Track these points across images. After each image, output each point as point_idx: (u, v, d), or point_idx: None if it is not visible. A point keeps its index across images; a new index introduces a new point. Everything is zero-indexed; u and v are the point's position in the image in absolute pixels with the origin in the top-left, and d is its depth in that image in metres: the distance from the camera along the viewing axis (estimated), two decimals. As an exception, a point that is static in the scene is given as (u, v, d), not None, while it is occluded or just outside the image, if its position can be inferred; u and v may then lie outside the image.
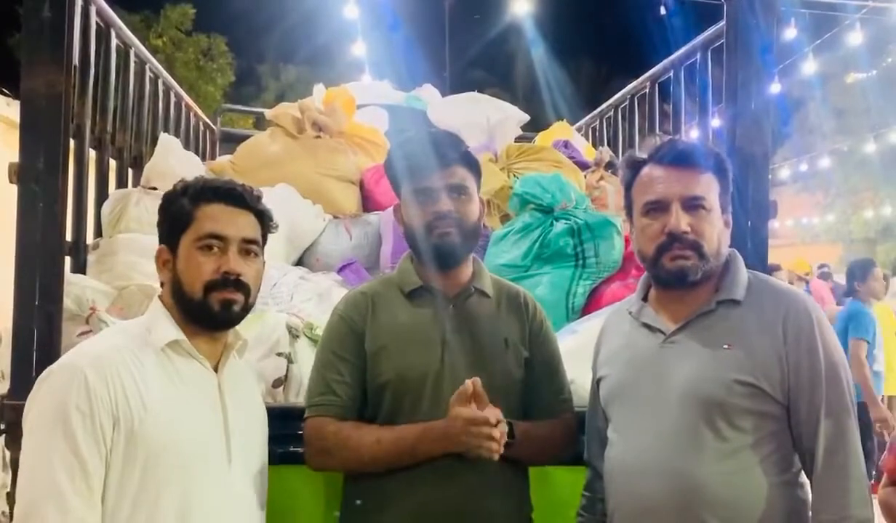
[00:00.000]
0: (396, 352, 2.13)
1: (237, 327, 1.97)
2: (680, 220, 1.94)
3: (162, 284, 1.93)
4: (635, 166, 2.07)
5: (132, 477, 1.71)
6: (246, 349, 2.04)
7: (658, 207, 1.98)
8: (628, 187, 2.10)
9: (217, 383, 1.88)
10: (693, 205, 1.96)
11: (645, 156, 2.07)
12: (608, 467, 2.07)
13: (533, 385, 2.22)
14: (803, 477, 1.94)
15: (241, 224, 1.89)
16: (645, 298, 2.12)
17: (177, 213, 1.88)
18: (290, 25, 22.07)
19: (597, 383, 2.18)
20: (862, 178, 20.26)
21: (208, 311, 1.85)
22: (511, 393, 2.18)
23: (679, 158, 2.00)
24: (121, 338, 1.83)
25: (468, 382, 1.97)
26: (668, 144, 2.06)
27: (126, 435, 1.70)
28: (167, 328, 1.84)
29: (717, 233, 1.98)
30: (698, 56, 3.44)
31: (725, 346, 1.91)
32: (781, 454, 1.91)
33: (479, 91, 5.21)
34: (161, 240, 1.91)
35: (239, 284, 1.87)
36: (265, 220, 1.96)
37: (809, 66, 13.53)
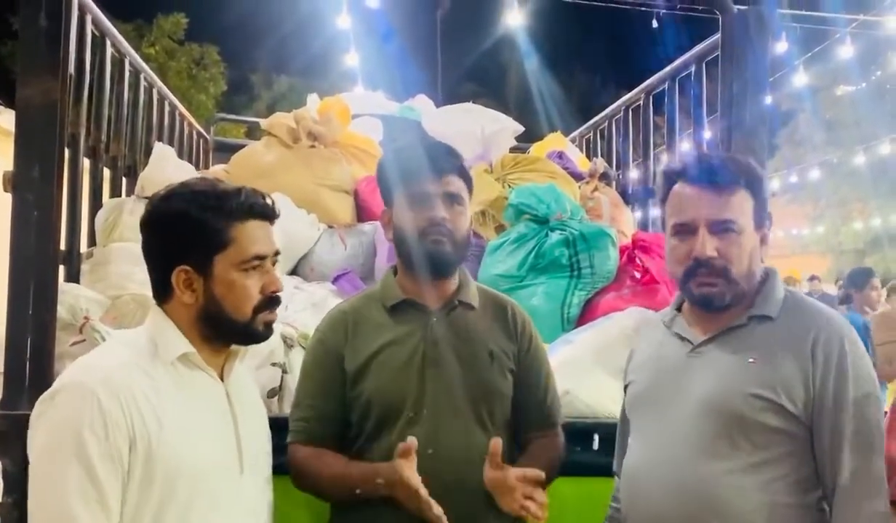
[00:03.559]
0: (377, 371, 2.12)
1: None
2: (706, 246, 1.90)
3: (166, 298, 1.83)
4: (669, 180, 2.03)
5: (151, 497, 1.67)
6: (246, 356, 2.02)
7: (685, 230, 1.95)
8: (662, 201, 2.06)
9: (225, 392, 1.86)
10: (721, 228, 1.91)
11: (678, 169, 2.03)
12: (624, 473, 2.06)
13: (521, 399, 2.21)
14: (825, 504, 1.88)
15: (272, 238, 1.87)
16: (679, 308, 2.09)
17: (207, 232, 1.78)
18: (282, 35, 22.12)
19: (625, 390, 2.17)
20: (851, 190, 20.37)
21: (252, 332, 1.84)
22: (497, 405, 2.17)
23: (708, 177, 1.95)
24: (127, 353, 1.77)
25: (411, 440, 1.94)
26: (698, 161, 2.01)
27: (144, 455, 1.66)
28: (176, 342, 1.79)
29: (747, 254, 1.93)
30: (693, 68, 3.46)
31: (750, 360, 1.88)
32: (803, 475, 1.86)
33: (471, 102, 5.21)
34: (178, 259, 1.79)
35: (279, 301, 1.88)
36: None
37: (800, 79, 13.59)
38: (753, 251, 1.95)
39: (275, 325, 2.76)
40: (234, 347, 1.91)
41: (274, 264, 1.88)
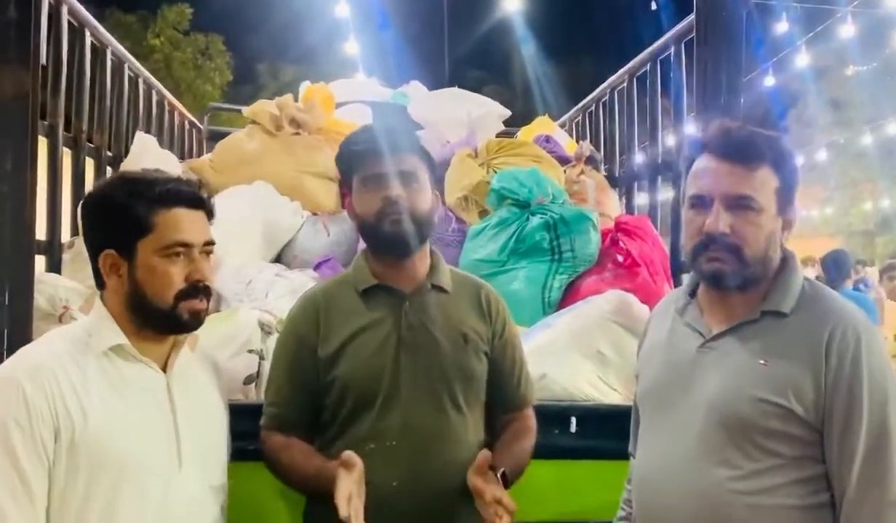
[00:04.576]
0: (351, 355, 2.11)
1: None
2: (718, 221, 1.79)
3: (101, 284, 1.85)
4: (693, 152, 1.92)
5: (76, 488, 1.67)
6: (196, 341, 2.01)
7: (700, 203, 1.83)
8: (686, 173, 1.94)
9: (166, 384, 1.84)
10: (738, 204, 1.79)
11: (703, 141, 1.91)
12: (634, 471, 2.03)
13: (495, 383, 2.22)
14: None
15: (200, 227, 1.85)
16: (693, 294, 1.98)
17: (130, 218, 1.78)
18: (288, 24, 22.05)
19: (636, 377, 2.13)
20: (860, 171, 20.25)
21: (176, 320, 1.81)
22: (472, 387, 2.17)
23: (730, 151, 1.82)
24: (60, 344, 1.78)
25: (347, 455, 1.91)
26: (722, 133, 1.88)
27: (67, 446, 1.66)
28: (109, 333, 1.78)
29: (764, 235, 1.81)
30: (672, 49, 3.44)
31: (761, 362, 1.77)
32: (814, 476, 1.76)
33: (479, 88, 5.19)
34: (104, 243, 1.81)
35: (206, 291, 1.85)
36: (211, 217, 1.92)
37: (802, 59, 13.48)
38: (772, 234, 1.83)
39: (253, 312, 2.84)
40: (180, 337, 1.90)
41: (208, 254, 1.87)
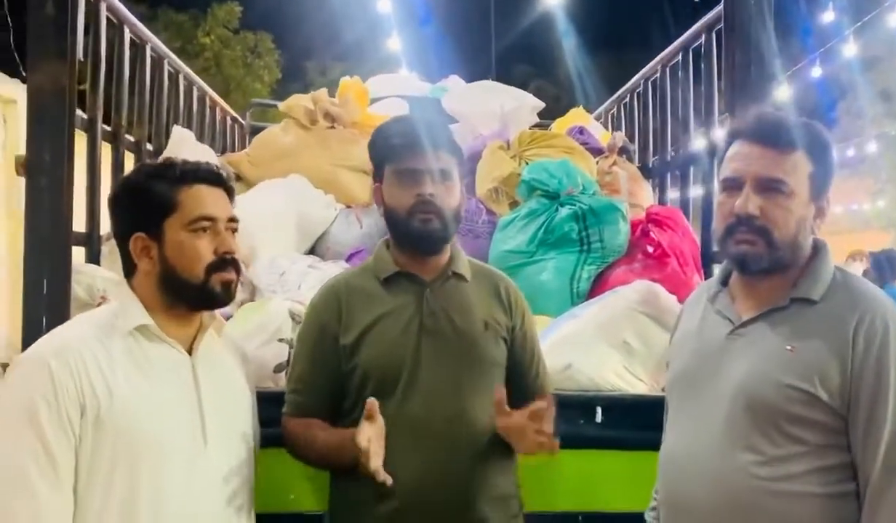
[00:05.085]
0: (372, 342, 2.14)
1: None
2: (748, 202, 1.80)
3: (130, 271, 1.91)
4: (730, 138, 1.93)
5: (101, 464, 1.72)
6: (223, 326, 2.05)
7: (733, 185, 1.85)
8: (721, 160, 1.96)
9: (191, 365, 1.88)
10: (769, 187, 1.80)
11: (739, 127, 1.93)
12: (660, 458, 2.03)
13: (513, 371, 2.24)
14: None
15: (223, 203, 1.92)
16: (726, 282, 2.00)
17: (154, 199, 1.85)
18: (334, 21, 22.17)
19: (666, 366, 2.14)
20: (912, 163, 19.72)
21: (209, 293, 1.86)
22: (492, 374, 2.19)
23: (763, 134, 1.84)
24: (87, 326, 1.84)
25: (370, 402, 1.95)
26: (756, 118, 1.92)
27: (93, 423, 1.71)
28: (135, 313, 1.84)
29: (794, 219, 1.81)
30: (703, 38, 3.41)
31: (788, 348, 1.78)
32: (839, 464, 1.76)
33: (525, 83, 5.20)
34: (133, 228, 1.87)
35: (235, 263, 1.90)
36: (232, 196, 1.97)
37: (851, 50, 13.18)
38: (803, 220, 1.83)
39: (284, 302, 2.89)
40: (205, 319, 1.95)
41: (234, 231, 1.92)
